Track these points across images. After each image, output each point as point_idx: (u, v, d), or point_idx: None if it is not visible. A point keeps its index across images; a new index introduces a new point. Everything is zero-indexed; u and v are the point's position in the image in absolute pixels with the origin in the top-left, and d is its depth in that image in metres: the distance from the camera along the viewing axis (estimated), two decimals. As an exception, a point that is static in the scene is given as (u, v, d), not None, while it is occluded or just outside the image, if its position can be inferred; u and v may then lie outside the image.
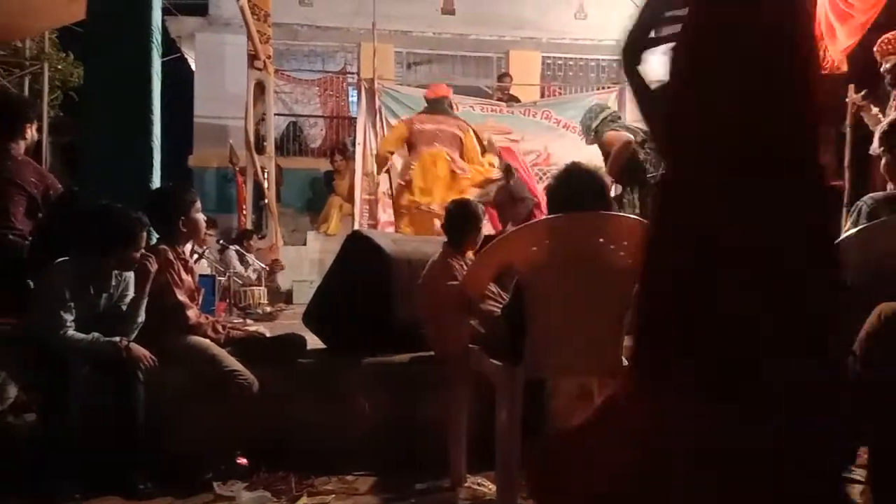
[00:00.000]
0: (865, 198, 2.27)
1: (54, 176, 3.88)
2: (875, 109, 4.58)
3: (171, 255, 3.01)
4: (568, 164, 2.62)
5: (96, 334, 2.74)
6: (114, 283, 2.90)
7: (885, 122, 2.34)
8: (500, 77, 9.43)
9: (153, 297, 2.90)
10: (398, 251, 3.47)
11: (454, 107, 6.39)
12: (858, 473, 2.53)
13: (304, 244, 8.87)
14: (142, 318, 2.87)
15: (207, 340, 2.98)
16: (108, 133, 3.69)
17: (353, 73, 10.78)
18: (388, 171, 6.75)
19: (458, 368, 2.79)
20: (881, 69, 4.41)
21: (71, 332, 2.70)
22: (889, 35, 4.43)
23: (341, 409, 3.10)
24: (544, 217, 2.79)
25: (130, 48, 3.77)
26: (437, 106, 6.09)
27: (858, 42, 6.02)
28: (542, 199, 7.05)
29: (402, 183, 5.93)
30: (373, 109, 8.26)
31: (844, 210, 5.68)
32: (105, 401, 2.74)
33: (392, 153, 6.19)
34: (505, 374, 2.38)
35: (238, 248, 6.70)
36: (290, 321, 4.79)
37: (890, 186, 3.53)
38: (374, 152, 6.92)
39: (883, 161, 2.61)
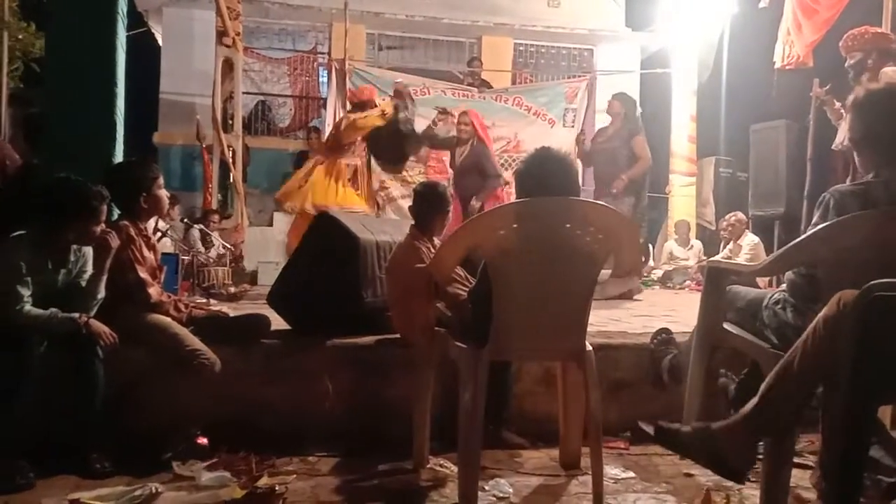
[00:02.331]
0: (831, 190, 2.30)
1: (15, 148, 3.78)
2: (838, 104, 4.66)
3: (132, 231, 2.95)
4: (537, 149, 2.63)
5: (54, 310, 2.67)
6: (72, 259, 2.83)
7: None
8: (470, 62, 9.40)
9: (113, 273, 2.84)
10: (365, 233, 3.46)
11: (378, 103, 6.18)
12: (811, 459, 2.61)
13: (271, 225, 8.77)
14: (101, 294, 2.81)
15: (169, 319, 2.93)
16: (69, 106, 3.61)
17: (323, 54, 10.67)
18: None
19: (424, 351, 2.80)
20: (846, 64, 4.48)
21: (28, 307, 2.63)
22: (854, 31, 4.51)
23: (304, 390, 3.08)
24: (512, 201, 2.79)
25: (95, 20, 3.68)
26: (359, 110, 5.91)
27: (824, 37, 6.14)
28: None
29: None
30: (343, 90, 8.19)
31: (805, 202, 5.84)
32: (62, 378, 2.68)
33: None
34: (470, 357, 2.38)
35: (201, 227, 6.60)
36: (255, 302, 4.74)
37: (848, 180, 3.61)
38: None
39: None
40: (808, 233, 2.22)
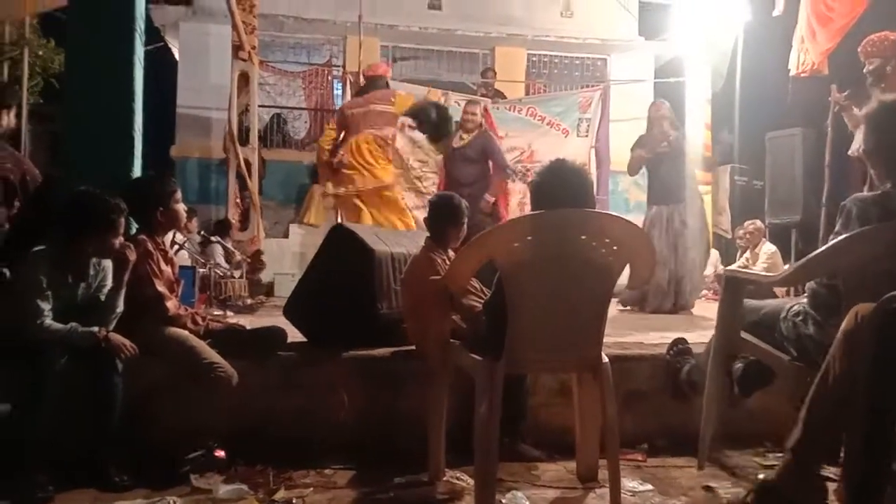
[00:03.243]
0: (853, 199, 2.28)
1: (35, 164, 3.83)
2: (856, 110, 4.62)
3: (150, 245, 2.98)
4: (552, 161, 2.63)
5: (74, 324, 2.70)
6: (92, 272, 2.86)
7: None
8: (484, 73, 9.42)
9: (132, 287, 2.86)
10: (380, 245, 3.47)
11: (389, 86, 6.24)
12: (833, 472, 2.57)
13: (286, 237, 8.83)
14: (120, 308, 2.84)
15: (186, 332, 2.95)
16: (88, 121, 3.65)
17: (338, 66, 10.73)
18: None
19: (439, 363, 2.79)
20: (864, 70, 4.44)
21: (48, 321, 2.66)
22: (874, 36, 4.47)
23: (320, 403, 3.09)
24: (527, 213, 2.79)
25: (113, 36, 3.72)
26: (371, 85, 6.00)
27: (839, 45, 6.09)
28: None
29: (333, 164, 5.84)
30: (358, 103, 8.20)
31: (823, 210, 5.78)
32: (81, 392, 2.70)
33: (332, 140, 6.04)
34: (485, 369, 2.38)
35: (220, 239, 6.65)
36: (271, 314, 4.77)
37: (866, 188, 3.58)
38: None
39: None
40: (831, 243, 2.20)
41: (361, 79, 8.15)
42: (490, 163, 6.42)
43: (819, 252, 2.27)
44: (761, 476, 2.16)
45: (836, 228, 2.26)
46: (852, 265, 2.15)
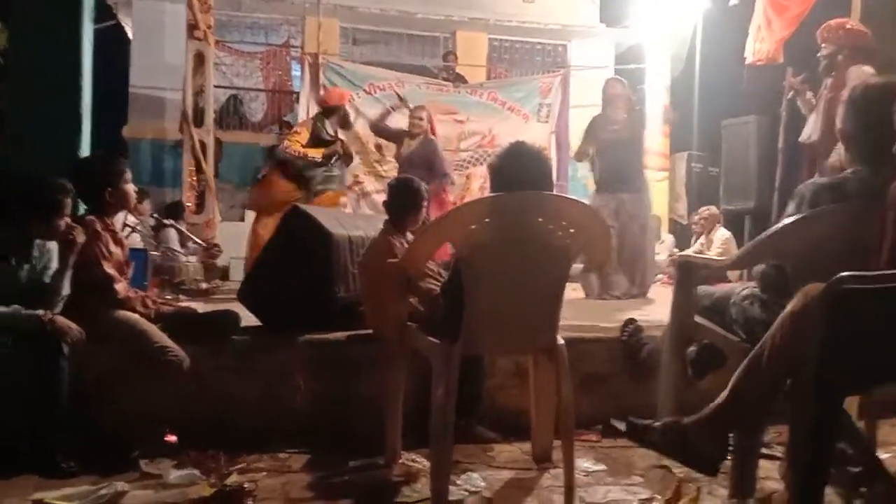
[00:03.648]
0: (807, 184, 2.32)
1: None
2: (810, 94, 4.69)
3: (98, 227, 2.89)
4: (511, 144, 2.63)
5: (17, 306, 2.62)
6: (36, 254, 2.77)
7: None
8: (445, 56, 9.38)
9: (79, 269, 2.78)
10: (338, 228, 3.43)
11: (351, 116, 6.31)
12: (779, 451, 2.64)
13: (243, 220, 8.68)
14: (66, 290, 2.75)
15: (136, 315, 2.88)
16: (33, 100, 3.55)
17: (296, 48, 10.54)
18: None
19: (396, 346, 2.78)
20: (818, 54, 4.50)
21: (-11, 304, 2.57)
22: (832, 22, 4.51)
23: (275, 387, 3.05)
24: (485, 196, 2.78)
25: (60, 12, 3.62)
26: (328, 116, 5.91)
27: (793, 33, 6.19)
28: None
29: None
30: (316, 84, 8.13)
31: (776, 196, 5.89)
32: (26, 376, 2.62)
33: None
34: (442, 352, 2.37)
35: (174, 223, 6.50)
36: (227, 298, 4.69)
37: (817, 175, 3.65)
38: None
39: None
40: (778, 225, 2.24)
41: (321, 76, 8.08)
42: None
43: (767, 234, 2.31)
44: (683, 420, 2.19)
45: (788, 211, 2.29)
46: (799, 247, 2.19)
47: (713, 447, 2.09)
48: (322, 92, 7.77)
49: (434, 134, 6.50)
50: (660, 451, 2.28)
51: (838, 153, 3.10)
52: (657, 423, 2.25)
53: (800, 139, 4.78)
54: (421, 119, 6.26)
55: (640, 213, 5.57)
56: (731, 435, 2.17)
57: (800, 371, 1.88)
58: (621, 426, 2.61)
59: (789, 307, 1.93)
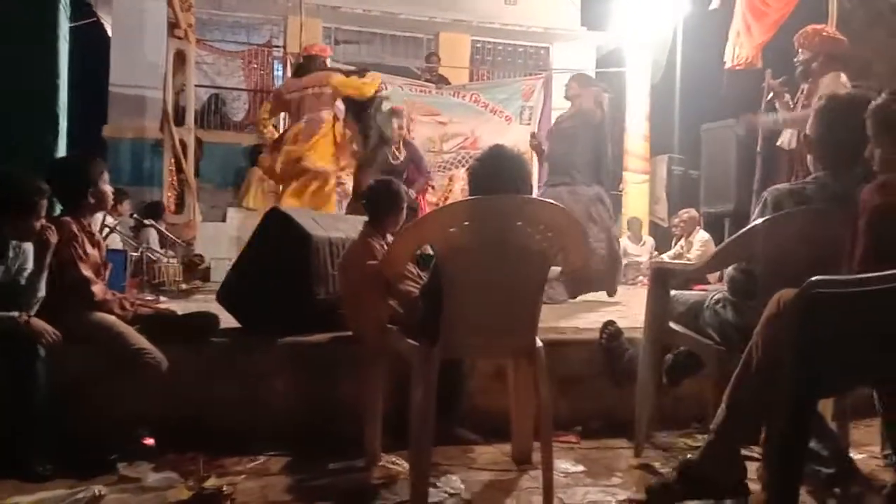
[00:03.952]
0: (770, 189, 2.40)
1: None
2: (788, 97, 4.74)
3: (75, 228, 2.86)
4: (491, 147, 2.64)
5: (-9, 308, 2.59)
6: (11, 255, 2.73)
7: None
8: (428, 57, 9.39)
9: (55, 271, 2.75)
10: (318, 230, 3.42)
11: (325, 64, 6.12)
12: (756, 451, 2.66)
13: (224, 220, 8.63)
14: (41, 292, 2.72)
15: (113, 317, 2.86)
16: (8, 98, 3.49)
17: (279, 47, 10.51)
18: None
19: (375, 348, 2.78)
20: (795, 60, 4.55)
21: (-38, 306, 2.54)
22: (809, 28, 4.56)
23: (254, 390, 3.04)
24: (464, 199, 2.79)
25: (34, 9, 3.57)
26: (308, 65, 5.90)
27: (772, 38, 6.26)
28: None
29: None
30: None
31: (754, 199, 5.94)
32: (0, 379, 2.59)
33: (268, 120, 5.99)
34: (421, 354, 2.37)
35: (153, 223, 6.45)
36: (207, 299, 4.66)
37: (794, 179, 3.69)
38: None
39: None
40: (745, 229, 2.31)
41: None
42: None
43: (733, 238, 2.38)
44: (689, 456, 2.23)
45: (753, 216, 2.36)
46: (765, 250, 2.24)
47: (730, 467, 2.13)
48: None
49: (409, 134, 6.52)
50: (688, 498, 2.22)
51: None
52: (670, 472, 2.25)
53: (778, 143, 4.84)
54: (402, 126, 6.27)
55: (577, 208, 5.09)
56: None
57: (775, 375, 1.91)
58: (643, 498, 2.52)
59: (765, 314, 1.96)
